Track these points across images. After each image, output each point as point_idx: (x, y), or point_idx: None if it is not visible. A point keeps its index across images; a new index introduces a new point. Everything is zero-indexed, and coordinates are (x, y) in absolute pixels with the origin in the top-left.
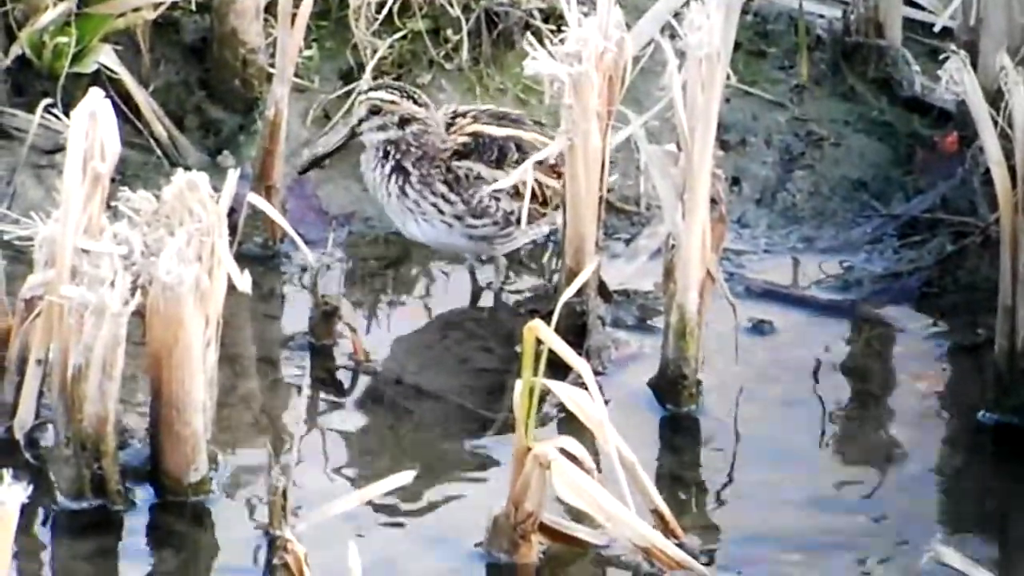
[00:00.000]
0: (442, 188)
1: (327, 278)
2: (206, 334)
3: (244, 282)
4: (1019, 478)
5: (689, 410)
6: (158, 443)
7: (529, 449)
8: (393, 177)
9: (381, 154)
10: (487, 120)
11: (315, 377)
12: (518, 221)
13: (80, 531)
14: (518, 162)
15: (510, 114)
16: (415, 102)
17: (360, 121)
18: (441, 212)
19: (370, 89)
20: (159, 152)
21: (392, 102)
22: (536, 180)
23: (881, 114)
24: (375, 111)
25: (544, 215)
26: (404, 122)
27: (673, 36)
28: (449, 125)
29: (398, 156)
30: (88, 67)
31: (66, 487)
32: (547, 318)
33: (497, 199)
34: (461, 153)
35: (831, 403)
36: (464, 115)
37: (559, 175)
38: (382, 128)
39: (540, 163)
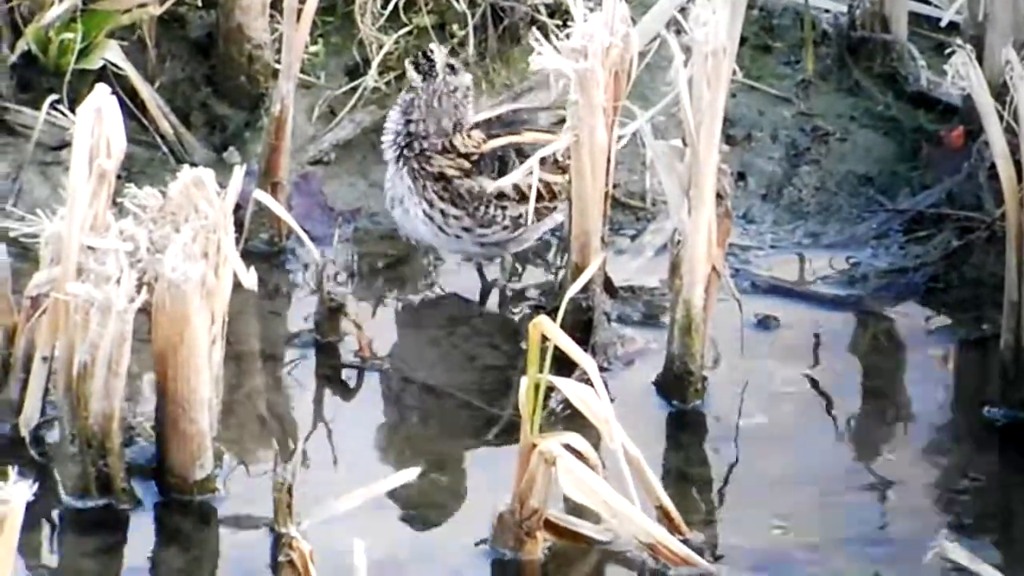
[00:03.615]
0: (442, 205)
1: (333, 275)
2: (212, 331)
3: (250, 279)
4: None
5: (695, 406)
6: (164, 441)
7: (534, 445)
8: (404, 167)
9: (398, 138)
10: (488, 134)
11: (321, 374)
12: (527, 222)
13: (85, 529)
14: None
15: (504, 116)
16: (452, 70)
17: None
18: (448, 227)
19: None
20: (165, 148)
21: (433, 51)
22: (545, 181)
23: (887, 109)
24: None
25: (555, 209)
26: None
27: (679, 31)
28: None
29: (407, 142)
30: (94, 63)
31: (71, 485)
32: (552, 314)
33: (504, 207)
34: (463, 172)
35: (836, 399)
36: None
37: (564, 170)
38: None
39: (544, 161)
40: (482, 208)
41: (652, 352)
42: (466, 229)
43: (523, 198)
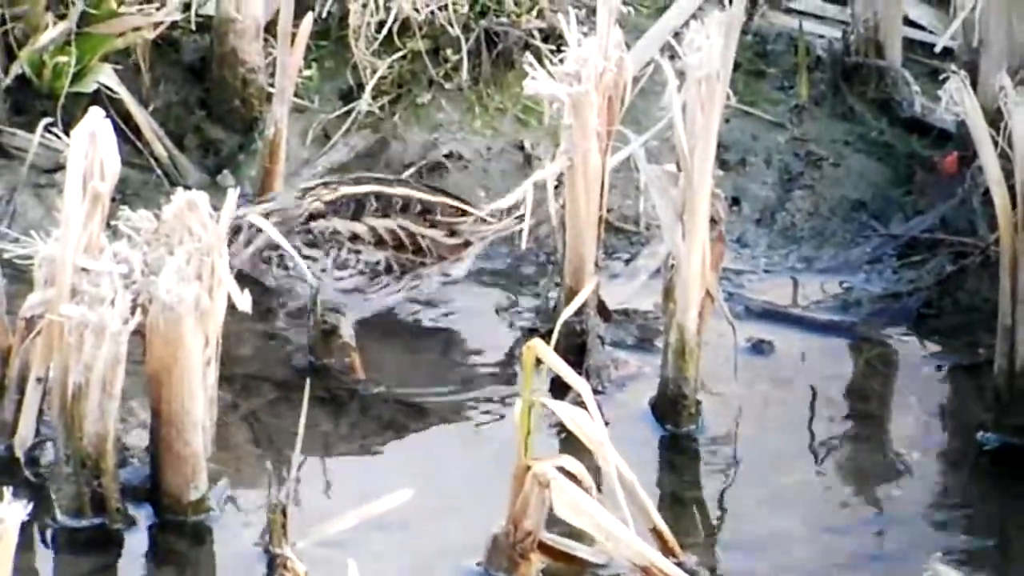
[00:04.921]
0: (305, 250)
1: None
2: (206, 353)
3: (244, 301)
4: (1018, 498)
5: (688, 430)
6: (158, 462)
7: (528, 468)
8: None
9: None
10: (348, 183)
11: (314, 396)
12: (387, 271)
13: (80, 549)
14: (376, 211)
15: (374, 176)
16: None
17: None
18: (310, 268)
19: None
20: (159, 171)
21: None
22: (407, 229)
23: (881, 134)
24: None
25: (423, 264)
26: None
27: (673, 56)
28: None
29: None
30: (88, 87)
31: (66, 505)
32: (547, 337)
33: (357, 252)
34: (316, 215)
35: (830, 423)
36: (324, 185)
37: (432, 225)
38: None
39: (407, 212)
40: (334, 250)
41: (646, 375)
42: (323, 270)
43: (379, 243)
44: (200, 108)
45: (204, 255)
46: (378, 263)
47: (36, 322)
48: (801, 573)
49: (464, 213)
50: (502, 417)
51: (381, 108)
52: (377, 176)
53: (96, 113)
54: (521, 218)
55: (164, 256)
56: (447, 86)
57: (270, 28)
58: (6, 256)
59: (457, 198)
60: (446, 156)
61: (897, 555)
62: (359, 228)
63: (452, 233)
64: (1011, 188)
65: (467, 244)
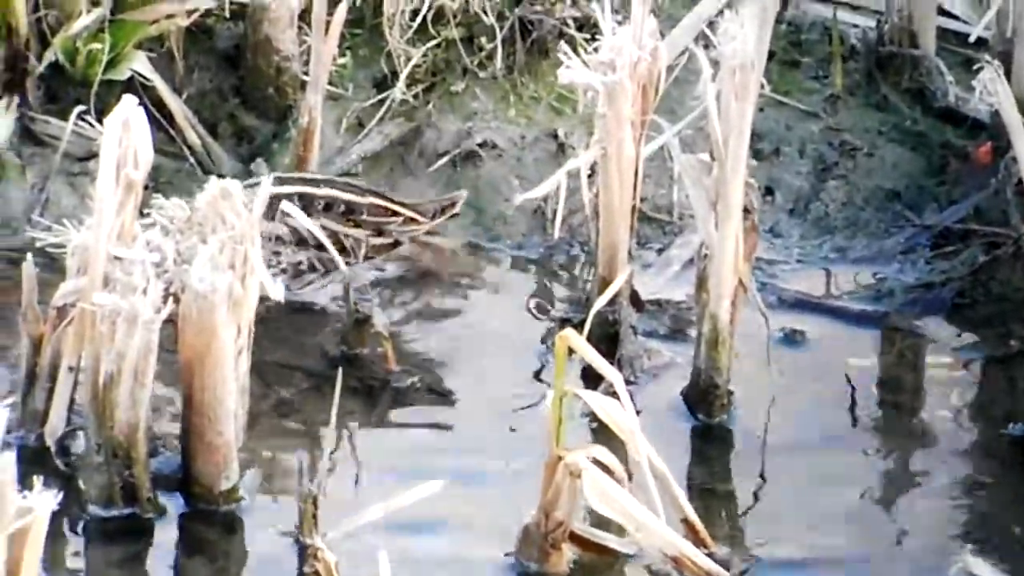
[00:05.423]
0: None
1: (359, 287)
2: (238, 342)
3: (277, 290)
4: None
5: (721, 420)
6: (189, 451)
7: (560, 458)
8: None
9: None
10: (274, 183)
11: (346, 385)
12: (311, 270)
13: (110, 538)
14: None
15: (300, 176)
16: None
17: None
18: None
19: None
20: (192, 159)
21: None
22: (329, 229)
23: (914, 124)
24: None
25: (348, 263)
26: None
27: (707, 45)
28: None
29: None
30: (121, 74)
31: (97, 494)
32: (579, 327)
33: (277, 252)
34: None
35: (862, 413)
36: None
37: (357, 224)
38: None
39: (331, 212)
40: None
41: (678, 366)
42: None
43: (300, 243)
44: (234, 96)
45: (237, 244)
46: (300, 263)
47: (68, 311)
48: (832, 563)
49: (395, 213)
50: (534, 407)
51: (415, 96)
52: (303, 176)
53: (129, 101)
54: (455, 216)
55: (197, 245)
56: (481, 75)
57: (304, 16)
58: (39, 244)
59: (389, 199)
60: (480, 145)
61: (927, 546)
62: (280, 229)
63: (379, 233)
64: None
65: (396, 244)
